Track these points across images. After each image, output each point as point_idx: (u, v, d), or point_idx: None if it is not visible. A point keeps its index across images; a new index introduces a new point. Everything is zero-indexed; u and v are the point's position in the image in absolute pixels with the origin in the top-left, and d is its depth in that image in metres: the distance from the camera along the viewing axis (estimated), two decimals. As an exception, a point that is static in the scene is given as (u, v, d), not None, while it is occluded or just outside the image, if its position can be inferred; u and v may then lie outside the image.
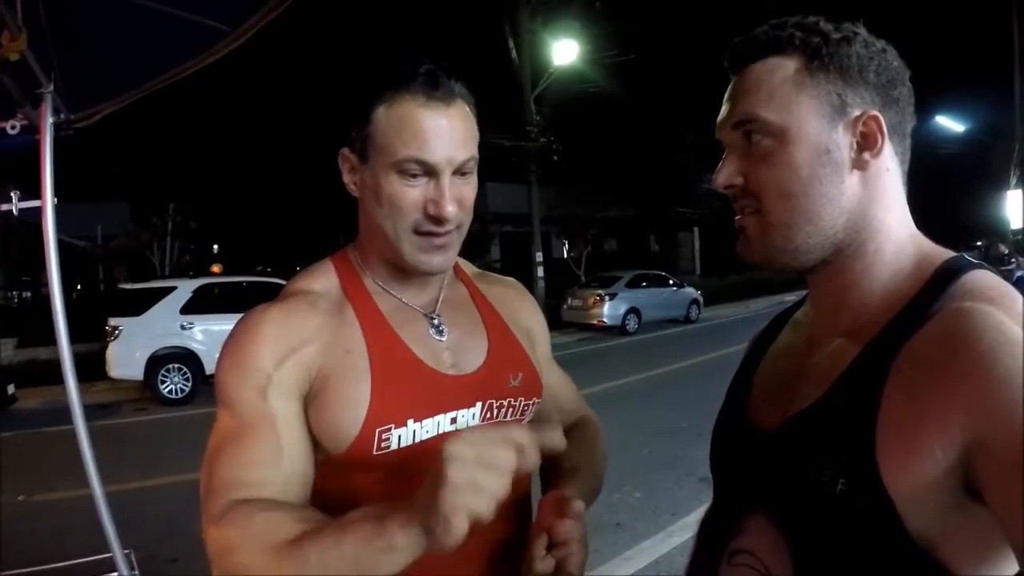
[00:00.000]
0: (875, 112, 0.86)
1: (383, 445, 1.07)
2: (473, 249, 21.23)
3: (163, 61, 2.53)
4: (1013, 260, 18.50)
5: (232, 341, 1.11)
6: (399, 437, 1.08)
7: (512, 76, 20.72)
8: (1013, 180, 30.89)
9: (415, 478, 0.94)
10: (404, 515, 0.86)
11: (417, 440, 1.10)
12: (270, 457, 1.04)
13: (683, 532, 4.78)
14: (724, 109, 0.94)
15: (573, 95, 21.29)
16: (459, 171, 1.12)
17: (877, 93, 0.87)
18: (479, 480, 0.81)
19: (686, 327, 19.75)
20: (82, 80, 2.48)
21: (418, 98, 1.09)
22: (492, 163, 20.84)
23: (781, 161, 0.87)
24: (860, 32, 0.89)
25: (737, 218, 0.94)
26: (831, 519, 0.78)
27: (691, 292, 21.04)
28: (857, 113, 0.86)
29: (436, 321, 1.23)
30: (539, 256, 20.63)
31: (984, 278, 0.83)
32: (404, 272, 1.20)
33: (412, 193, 1.11)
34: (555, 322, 19.58)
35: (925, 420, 0.72)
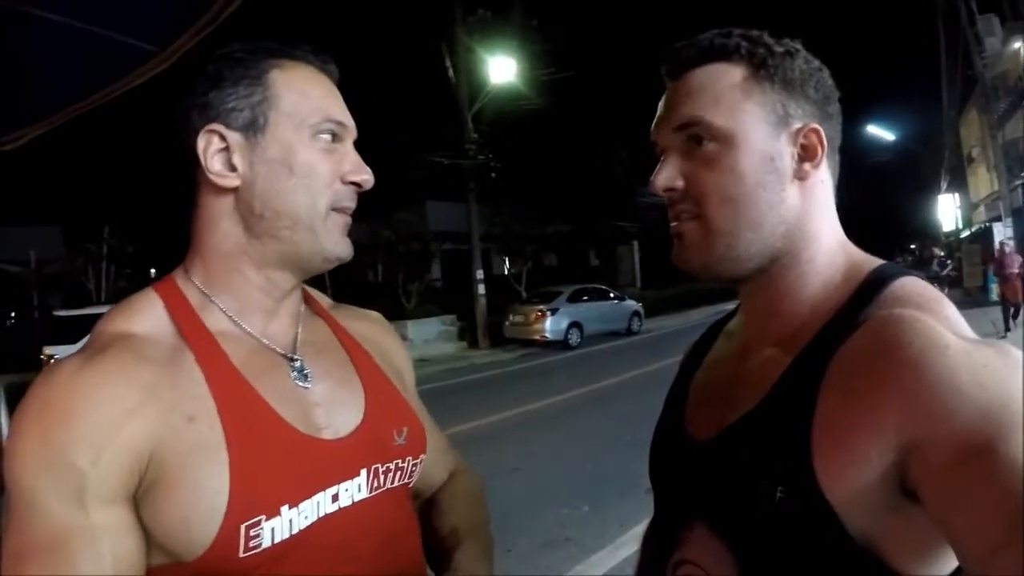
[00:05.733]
0: (816, 125, 0.88)
1: (252, 544, 0.83)
2: (415, 267, 21.13)
3: (91, 83, 2.47)
4: (1007, 246, 18.33)
5: (32, 416, 0.83)
6: (272, 530, 0.85)
7: (449, 94, 20.75)
8: (943, 185, 32.18)
9: None
10: None
11: (295, 530, 0.88)
12: None
13: (632, 544, 4.77)
14: (663, 112, 0.93)
15: (510, 112, 21.36)
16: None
17: (816, 107, 0.89)
18: None
19: (628, 339, 19.95)
20: (8, 102, 2.41)
21: (312, 65, 1.00)
22: (431, 181, 20.77)
23: (726, 166, 0.87)
24: (800, 49, 0.91)
25: (674, 224, 0.92)
26: (772, 526, 0.78)
27: (632, 305, 21.30)
28: (799, 125, 0.88)
29: (298, 363, 1.00)
30: (479, 273, 20.59)
31: (912, 284, 0.84)
32: (293, 273, 1.00)
33: (329, 159, 0.96)
34: (497, 338, 19.56)
35: (859, 425, 0.73)
